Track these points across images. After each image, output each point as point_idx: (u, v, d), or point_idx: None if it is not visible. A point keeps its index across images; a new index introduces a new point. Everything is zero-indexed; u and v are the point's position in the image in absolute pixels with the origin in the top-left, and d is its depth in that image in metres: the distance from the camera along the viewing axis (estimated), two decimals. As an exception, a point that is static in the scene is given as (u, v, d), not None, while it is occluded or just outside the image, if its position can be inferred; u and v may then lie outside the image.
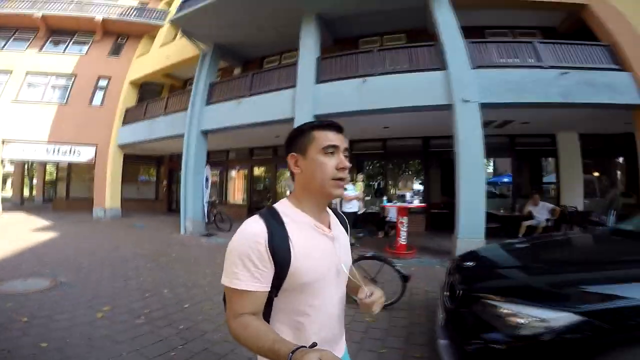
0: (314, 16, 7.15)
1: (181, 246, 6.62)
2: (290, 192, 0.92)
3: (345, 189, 6.25)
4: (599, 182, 8.63)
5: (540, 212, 6.61)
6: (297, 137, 0.86)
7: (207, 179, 8.77)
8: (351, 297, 0.98)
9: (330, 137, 0.83)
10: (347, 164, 0.83)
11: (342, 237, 0.96)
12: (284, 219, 0.82)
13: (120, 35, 12.61)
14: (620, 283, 1.53)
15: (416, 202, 5.92)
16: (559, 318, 1.42)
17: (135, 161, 13.74)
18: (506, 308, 1.55)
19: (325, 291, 0.86)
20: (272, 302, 0.82)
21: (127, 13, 12.08)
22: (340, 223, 1.01)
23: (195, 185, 8.37)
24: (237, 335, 0.74)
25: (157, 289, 3.76)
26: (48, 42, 12.41)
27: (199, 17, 7.77)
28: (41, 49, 12.17)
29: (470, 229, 5.20)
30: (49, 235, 7.45)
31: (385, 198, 6.66)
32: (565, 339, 1.40)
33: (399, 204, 5.84)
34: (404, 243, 5.61)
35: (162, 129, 9.69)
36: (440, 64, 5.71)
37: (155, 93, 12.84)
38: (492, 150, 8.70)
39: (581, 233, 3.30)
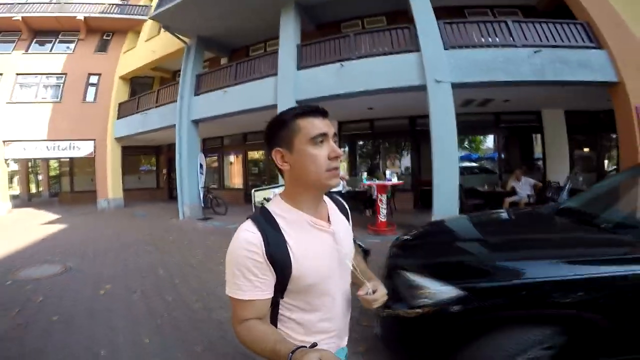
0: (293, 4, 7.29)
1: (178, 230, 7.16)
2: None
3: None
4: (584, 158, 8.86)
5: (523, 187, 6.69)
6: (280, 130, 0.79)
7: (201, 166, 9.20)
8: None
9: (317, 125, 0.77)
10: (340, 151, 0.79)
11: (342, 227, 0.93)
12: (279, 220, 0.80)
13: (105, 32, 12.73)
14: (515, 261, 1.61)
15: (394, 180, 6.23)
16: (445, 291, 1.54)
17: (134, 152, 14.27)
18: (411, 280, 1.72)
19: (331, 288, 0.85)
20: (278, 303, 0.82)
21: (108, 10, 12.21)
22: (340, 210, 0.99)
23: (190, 172, 8.84)
24: (243, 339, 0.75)
25: (153, 269, 4.27)
26: (33, 43, 12.58)
27: (179, 11, 7.94)
28: (27, 50, 12.37)
29: (445, 206, 5.49)
30: (57, 227, 8.03)
31: (365, 176, 6.96)
32: (452, 312, 1.51)
33: (377, 181, 6.20)
34: (384, 220, 5.97)
35: (155, 121, 10.07)
36: (415, 46, 5.89)
37: (147, 86, 13.11)
38: (477, 127, 9.03)
39: (533, 210, 3.33)
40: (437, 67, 5.61)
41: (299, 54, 6.98)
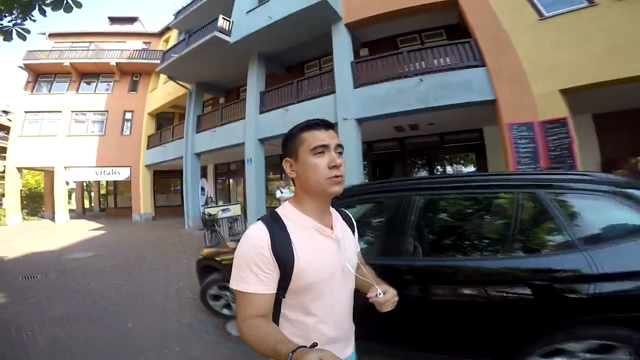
0: (256, 56, 9.88)
1: (180, 235, 10.07)
2: (280, 195, 1.72)
3: (282, 192, 9.04)
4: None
5: None
6: (288, 142, 0.95)
7: (202, 189, 12.17)
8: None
9: (318, 137, 0.90)
10: (339, 161, 0.90)
11: (347, 236, 1.05)
12: (286, 222, 0.92)
13: (134, 74, 16.52)
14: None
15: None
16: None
17: (165, 176, 17.82)
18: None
19: (332, 291, 0.95)
20: (280, 303, 0.91)
21: (133, 56, 15.86)
22: (346, 222, 1.11)
23: (193, 193, 11.79)
24: (245, 337, 0.81)
25: (144, 255, 7.05)
26: (82, 83, 16.63)
27: (177, 65, 11.06)
28: (77, 90, 16.45)
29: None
30: (99, 232, 11.43)
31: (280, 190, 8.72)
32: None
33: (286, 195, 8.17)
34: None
35: (170, 152, 13.33)
36: (333, 88, 7.90)
37: (169, 120, 16.64)
38: (422, 149, 10.48)
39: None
40: (345, 106, 7.42)
41: (261, 99, 9.60)
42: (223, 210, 8.32)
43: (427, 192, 2.24)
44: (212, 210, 8.20)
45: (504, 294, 1.79)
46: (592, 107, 7.13)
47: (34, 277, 5.55)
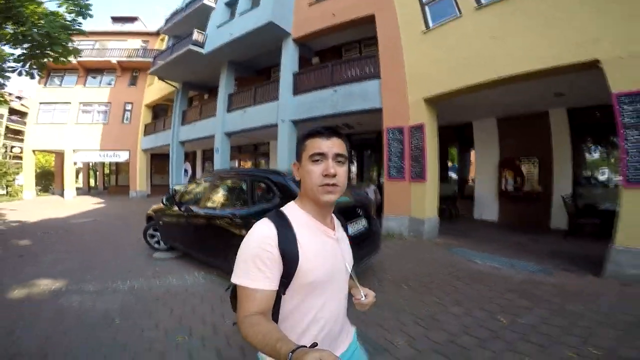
0: (227, 63, 12.26)
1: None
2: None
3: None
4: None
5: (370, 192, 9.62)
6: (298, 146, 1.01)
7: (185, 170, 14.82)
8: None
9: (317, 145, 0.95)
10: (332, 171, 0.92)
11: (344, 238, 1.12)
12: (291, 221, 0.96)
13: (134, 70, 19.09)
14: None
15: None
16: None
17: (161, 159, 20.22)
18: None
19: (332, 290, 0.99)
20: (280, 300, 0.94)
21: (133, 55, 18.42)
22: (343, 226, 1.17)
23: (177, 174, 14.48)
24: (246, 334, 0.82)
25: (132, 220, 9.71)
26: (88, 78, 19.30)
27: (164, 69, 13.60)
28: (84, 84, 19.15)
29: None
30: (100, 205, 14.30)
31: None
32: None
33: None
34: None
35: (161, 140, 16.03)
36: (275, 96, 10.29)
37: (164, 111, 19.24)
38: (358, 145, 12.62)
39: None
40: (284, 110, 9.77)
41: (229, 100, 12.07)
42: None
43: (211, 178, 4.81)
44: (178, 187, 10.77)
45: (230, 226, 4.03)
46: (496, 111, 8.55)
47: (48, 233, 8.22)
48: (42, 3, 5.59)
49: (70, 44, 5.96)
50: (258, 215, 3.45)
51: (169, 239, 5.73)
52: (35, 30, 5.37)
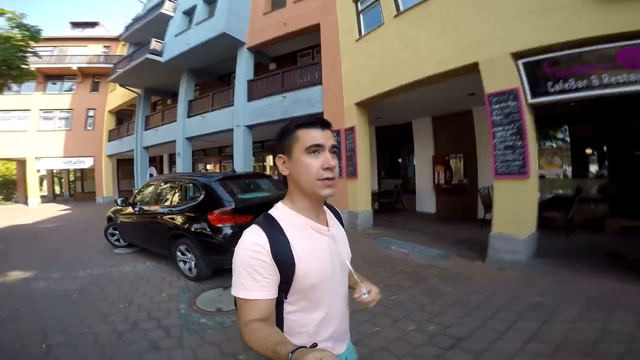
0: (186, 70, 13.09)
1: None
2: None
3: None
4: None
5: None
6: (283, 138, 0.96)
7: (151, 175, 15.50)
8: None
9: (313, 136, 0.91)
10: (332, 163, 0.91)
11: (339, 232, 1.09)
12: (282, 224, 0.93)
13: (95, 76, 19.47)
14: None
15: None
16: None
17: (129, 164, 20.72)
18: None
19: (333, 289, 0.99)
20: (282, 304, 0.93)
21: (94, 61, 18.83)
22: (335, 217, 1.15)
23: (142, 179, 15.12)
24: (247, 340, 0.82)
25: (98, 224, 10.44)
26: (48, 84, 19.50)
27: (124, 77, 14.28)
28: (44, 90, 19.37)
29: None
30: (66, 212, 14.80)
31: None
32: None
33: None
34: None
35: (125, 145, 16.63)
36: (231, 102, 11.21)
37: (129, 116, 19.68)
38: None
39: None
40: (239, 116, 10.68)
41: (189, 106, 12.90)
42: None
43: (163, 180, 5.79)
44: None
45: (173, 222, 4.89)
46: (430, 110, 9.52)
47: (15, 236, 8.90)
48: None
49: (25, 66, 6.73)
50: (189, 210, 4.50)
51: (126, 236, 6.62)
52: None
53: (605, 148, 7.80)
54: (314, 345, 0.76)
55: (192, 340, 2.93)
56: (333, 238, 1.02)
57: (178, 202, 5.18)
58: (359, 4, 8.20)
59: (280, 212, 0.98)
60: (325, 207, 1.10)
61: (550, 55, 4.59)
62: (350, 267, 1.03)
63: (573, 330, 2.79)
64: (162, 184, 5.89)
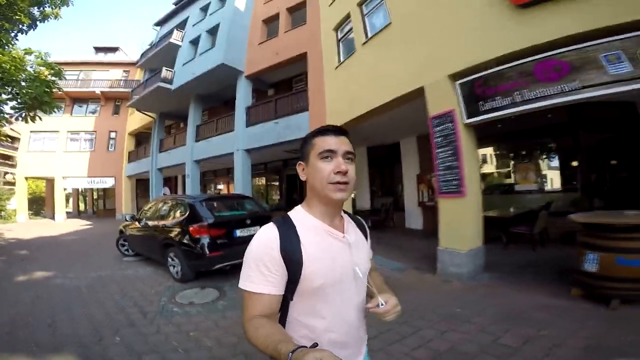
0: (194, 96, 14.66)
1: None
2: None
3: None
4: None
5: None
6: (303, 146, 1.06)
7: (164, 194, 17.03)
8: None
9: (327, 142, 0.99)
10: (344, 167, 0.96)
11: (360, 242, 1.12)
12: (297, 224, 1.00)
13: (116, 100, 21.59)
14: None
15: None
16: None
17: (146, 184, 22.46)
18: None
19: (342, 296, 1.01)
20: (288, 305, 0.98)
21: (114, 85, 20.93)
22: (359, 228, 1.19)
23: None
24: (250, 336, 0.87)
25: (114, 236, 11.90)
26: (75, 107, 21.69)
27: (140, 102, 16.07)
28: (71, 113, 21.58)
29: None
30: (88, 226, 16.54)
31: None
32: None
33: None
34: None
35: (143, 167, 18.38)
36: (233, 127, 12.53)
37: (147, 138, 21.53)
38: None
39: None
40: (238, 140, 11.93)
41: (196, 131, 14.39)
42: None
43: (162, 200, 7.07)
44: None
45: (165, 234, 6.11)
46: (415, 130, 10.12)
47: (43, 245, 10.42)
48: (25, 70, 7.91)
49: (52, 102, 8.31)
50: (177, 225, 5.72)
51: (133, 246, 7.93)
52: (27, 97, 7.75)
53: (578, 162, 8.25)
54: (315, 345, 0.77)
55: (161, 321, 4.02)
56: (348, 245, 1.04)
57: (170, 218, 6.38)
58: (338, 32, 9.26)
59: (297, 214, 1.05)
60: (346, 216, 1.15)
61: (480, 75, 4.99)
62: (361, 275, 1.05)
63: (464, 341, 3.10)
64: (160, 203, 7.15)
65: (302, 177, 1.05)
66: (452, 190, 5.32)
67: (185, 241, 5.65)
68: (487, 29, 4.93)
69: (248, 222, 6.11)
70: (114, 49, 25.15)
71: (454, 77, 5.37)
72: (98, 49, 25.13)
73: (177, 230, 5.91)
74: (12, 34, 7.96)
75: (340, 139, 1.01)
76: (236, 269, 5.85)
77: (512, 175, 9.55)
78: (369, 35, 7.65)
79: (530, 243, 6.63)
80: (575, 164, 8.35)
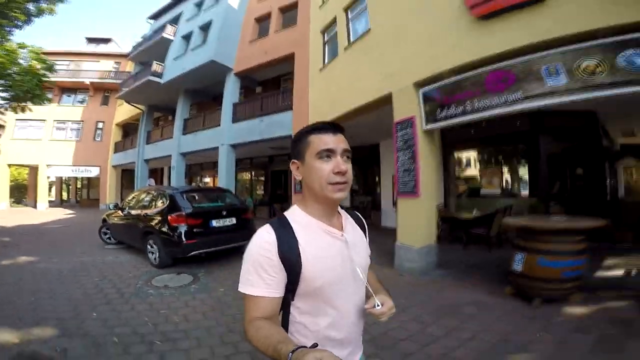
0: (183, 90, 14.97)
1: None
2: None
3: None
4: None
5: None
6: (296, 144, 1.02)
7: (149, 185, 17.26)
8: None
9: (325, 141, 0.96)
10: (344, 167, 0.94)
11: (358, 238, 1.12)
12: (294, 225, 0.98)
13: (105, 90, 21.72)
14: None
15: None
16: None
17: (132, 174, 22.62)
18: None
19: (343, 294, 1.00)
20: (289, 306, 0.98)
21: (105, 76, 21.08)
22: (357, 224, 1.18)
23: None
24: (250, 338, 0.87)
25: (96, 226, 12.15)
26: (63, 96, 21.80)
27: (129, 95, 16.28)
28: (59, 102, 21.62)
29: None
30: (71, 215, 16.71)
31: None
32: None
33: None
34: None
35: (129, 157, 18.57)
36: (220, 123, 12.93)
37: (135, 130, 21.65)
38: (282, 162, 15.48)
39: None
40: (224, 135, 12.32)
41: (184, 124, 14.69)
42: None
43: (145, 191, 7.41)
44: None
45: (146, 223, 6.50)
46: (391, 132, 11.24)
47: (24, 233, 10.64)
48: (18, 64, 8.21)
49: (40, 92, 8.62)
50: (157, 214, 6.12)
51: (116, 234, 8.27)
52: (19, 90, 8.05)
53: (539, 169, 8.42)
54: (315, 345, 0.77)
55: (135, 300, 4.41)
56: (346, 243, 1.03)
57: (151, 208, 6.75)
58: (325, 35, 9.65)
59: (294, 214, 1.03)
60: (344, 212, 1.14)
61: (441, 83, 5.33)
62: (361, 275, 1.05)
63: (397, 328, 3.39)
64: (144, 194, 7.50)
65: (298, 177, 1.03)
66: (408, 191, 5.76)
67: (163, 229, 6.03)
68: (450, 40, 5.23)
69: (224, 213, 6.51)
70: (106, 40, 25.21)
71: (419, 85, 5.72)
72: (90, 40, 25.19)
73: (157, 219, 6.28)
74: (8, 29, 8.22)
75: (337, 136, 0.99)
76: (211, 257, 6.38)
77: (479, 179, 10.06)
78: (352, 40, 8.04)
79: (487, 244, 7.00)
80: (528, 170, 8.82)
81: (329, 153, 0.96)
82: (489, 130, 7.69)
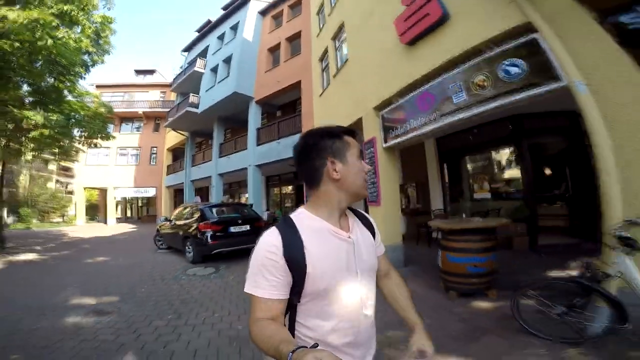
0: (217, 118, 17.50)
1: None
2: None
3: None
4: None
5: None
6: (333, 141, 1.02)
7: (197, 203, 20.04)
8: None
9: (357, 144, 1.04)
10: (370, 168, 1.51)
11: (365, 240, 1.13)
12: (299, 227, 1.00)
13: (156, 118, 25.22)
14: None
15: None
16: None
17: (182, 193, 26.15)
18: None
19: (348, 296, 1.01)
20: (295, 308, 1.00)
21: (154, 106, 24.55)
22: (365, 225, 1.19)
23: (188, 203, 19.78)
24: (254, 338, 0.88)
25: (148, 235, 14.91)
26: (122, 125, 25.53)
27: (174, 123, 19.28)
28: (119, 131, 25.28)
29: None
30: (134, 229, 19.98)
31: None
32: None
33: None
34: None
35: (179, 179, 21.61)
36: (247, 146, 15.13)
37: (182, 154, 24.92)
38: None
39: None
40: (250, 157, 14.47)
41: (220, 148, 17.20)
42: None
43: (184, 207, 9.67)
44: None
45: (185, 230, 8.70)
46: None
47: (99, 242, 13.54)
48: (88, 109, 11.04)
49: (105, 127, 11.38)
50: (192, 223, 8.62)
51: (165, 240, 10.70)
52: (91, 132, 10.90)
53: (525, 171, 8.70)
54: (315, 345, 0.77)
55: (172, 282, 6.52)
56: (352, 244, 1.05)
57: (189, 219, 9.02)
58: (322, 62, 11.09)
59: (299, 215, 1.05)
60: (352, 214, 1.17)
61: (391, 107, 6.11)
62: (366, 275, 1.08)
63: None
64: (184, 209, 9.84)
65: (335, 176, 1.01)
66: (373, 200, 6.96)
67: (196, 233, 8.22)
68: (393, 67, 5.94)
69: (240, 221, 8.62)
70: (151, 71, 29.10)
71: (378, 109, 6.64)
72: (138, 72, 29.17)
73: (193, 226, 8.48)
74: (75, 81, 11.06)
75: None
76: (232, 256, 8.41)
77: (471, 184, 11.03)
78: (339, 67, 9.12)
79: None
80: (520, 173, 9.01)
81: (362, 156, 1.05)
82: (478, 137, 8.52)
